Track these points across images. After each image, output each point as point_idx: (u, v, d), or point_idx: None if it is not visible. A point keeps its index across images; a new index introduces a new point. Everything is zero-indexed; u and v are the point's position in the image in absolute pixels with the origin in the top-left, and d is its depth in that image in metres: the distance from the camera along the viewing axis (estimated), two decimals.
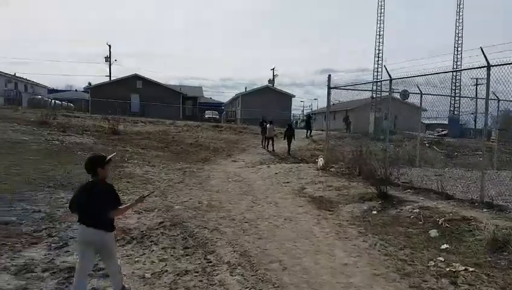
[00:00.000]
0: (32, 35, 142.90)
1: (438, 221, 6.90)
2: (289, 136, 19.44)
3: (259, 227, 6.71)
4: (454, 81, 40.58)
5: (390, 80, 11.21)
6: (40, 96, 39.26)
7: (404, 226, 6.93)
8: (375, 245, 5.96)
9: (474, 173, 11.24)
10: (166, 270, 4.62)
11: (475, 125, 35.72)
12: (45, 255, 4.83)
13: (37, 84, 49.95)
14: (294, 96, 48.83)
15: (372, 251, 5.71)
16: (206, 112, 44.74)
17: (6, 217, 6.08)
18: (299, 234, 6.42)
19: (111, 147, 16.21)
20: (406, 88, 13.19)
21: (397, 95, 13.81)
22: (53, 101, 38.19)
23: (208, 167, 14.64)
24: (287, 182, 11.44)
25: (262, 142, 21.08)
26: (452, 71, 32.60)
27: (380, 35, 41.84)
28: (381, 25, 41.99)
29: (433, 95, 14.51)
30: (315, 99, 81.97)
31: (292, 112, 50.61)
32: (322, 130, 31.97)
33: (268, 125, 20.36)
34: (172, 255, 5.12)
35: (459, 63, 42.60)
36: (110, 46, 51.75)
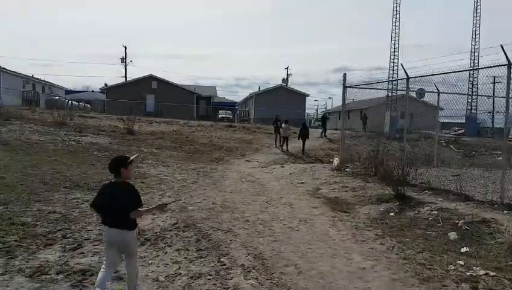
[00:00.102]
0: (50, 37, 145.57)
1: (457, 223, 6.73)
2: (303, 135, 19.29)
3: (273, 229, 6.62)
4: (471, 79, 39.84)
5: (408, 78, 10.98)
6: (57, 97, 39.83)
7: (423, 228, 6.77)
8: (392, 248, 5.81)
9: (493, 173, 10.96)
10: (180, 273, 4.56)
11: (492, 124, 35.02)
12: (59, 257, 4.83)
13: (55, 85, 50.75)
14: (308, 95, 48.66)
15: (390, 254, 5.56)
16: (219, 111, 44.81)
17: (22, 218, 6.13)
18: (315, 236, 6.30)
19: (126, 147, 16.33)
20: (421, 87, 12.93)
21: (413, 94, 13.57)
22: (70, 101, 38.73)
23: (221, 167, 14.61)
24: (302, 183, 11.31)
25: (275, 141, 20.97)
26: (471, 69, 32.04)
27: (395, 33, 41.36)
28: (397, 23, 41.52)
29: (451, 93, 14.20)
30: (329, 98, 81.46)
31: (306, 111, 50.38)
32: (336, 129, 31.77)
33: (283, 125, 20.23)
34: (185, 258, 5.06)
35: (476, 61, 41.85)
36: (125, 47, 52.37)
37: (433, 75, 10.29)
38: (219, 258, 5.08)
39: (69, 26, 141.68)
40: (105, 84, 47.08)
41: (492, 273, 4.74)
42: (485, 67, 9.68)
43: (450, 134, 30.47)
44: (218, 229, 6.38)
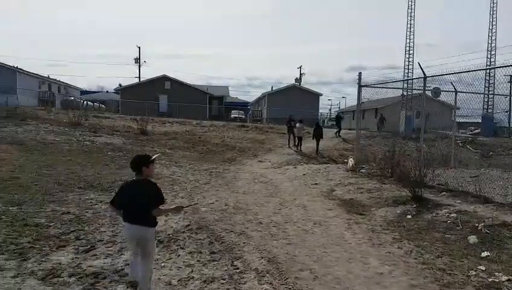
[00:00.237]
0: (50, 37, 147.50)
1: (477, 226, 6.52)
2: (317, 135, 19.12)
3: (287, 231, 6.50)
4: (488, 78, 39.06)
5: (425, 77, 10.72)
6: (72, 98, 40.36)
7: (441, 231, 6.57)
8: (410, 252, 5.64)
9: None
10: (193, 277, 4.48)
11: (509, 124, 34.29)
12: (72, 259, 4.80)
13: (70, 86, 51.47)
14: (321, 94, 48.27)
15: (408, 258, 5.40)
16: (232, 111, 44.79)
17: (36, 219, 6.14)
18: (330, 239, 6.16)
19: (139, 147, 16.38)
20: (437, 86, 12.65)
21: (428, 93, 13.27)
22: (85, 102, 39.19)
23: (233, 167, 14.53)
24: (315, 184, 11.15)
25: (288, 141, 20.82)
26: (489, 68, 31.40)
27: (410, 31, 40.73)
28: (412, 21, 40.86)
29: (468, 92, 13.88)
30: (343, 97, 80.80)
31: (320, 111, 50.04)
32: (350, 129, 31.46)
33: (298, 125, 20.06)
34: (198, 261, 4.99)
35: (492, 60, 41.03)
36: (139, 48, 52.78)
37: (450, 74, 10.05)
38: (232, 262, 4.99)
39: (69, 26, 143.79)
40: (120, 85, 47.53)
41: None
42: (504, 66, 9.43)
43: (466, 134, 29.93)
44: (231, 232, 6.29)
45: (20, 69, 39.17)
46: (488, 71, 37.10)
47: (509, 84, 35.49)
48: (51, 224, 5.99)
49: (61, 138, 15.58)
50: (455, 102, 13.62)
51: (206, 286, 4.27)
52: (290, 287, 4.35)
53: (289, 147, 20.41)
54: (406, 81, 26.47)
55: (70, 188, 8.38)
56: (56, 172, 9.68)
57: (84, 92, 57.11)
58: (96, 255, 4.96)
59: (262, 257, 5.20)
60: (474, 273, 4.86)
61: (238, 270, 4.72)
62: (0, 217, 6.01)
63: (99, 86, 69.16)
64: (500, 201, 8.01)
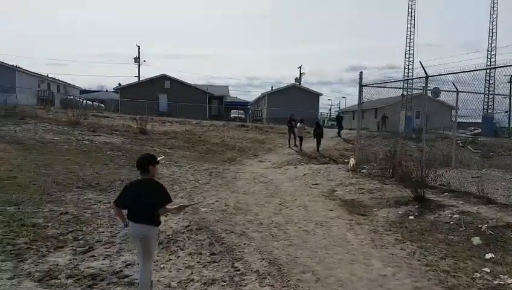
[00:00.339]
0: (50, 37, 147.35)
1: (481, 227, 6.44)
2: (318, 135, 19.09)
3: (288, 232, 6.41)
4: (488, 79, 38.96)
5: (427, 76, 10.61)
6: (72, 97, 40.21)
7: (444, 232, 6.48)
8: (414, 254, 5.56)
9: None
10: (193, 279, 4.40)
11: (509, 124, 34.25)
12: (70, 260, 4.72)
13: (70, 85, 51.31)
14: (321, 94, 48.18)
15: (412, 260, 5.31)
16: (232, 111, 44.68)
17: (33, 219, 6.05)
18: (332, 240, 6.08)
19: (139, 147, 16.29)
20: (438, 85, 12.55)
21: (429, 93, 13.16)
22: (84, 101, 39.06)
23: (233, 167, 14.43)
24: (316, 184, 11.05)
25: (288, 141, 20.73)
26: (492, 68, 31.27)
27: (410, 31, 40.62)
28: (412, 21, 40.74)
29: (469, 92, 13.80)
30: (343, 97, 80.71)
31: (320, 111, 49.96)
32: (350, 129, 31.38)
33: (299, 124, 20.02)
34: (198, 262, 4.90)
35: (492, 60, 40.93)
36: (139, 47, 52.61)
37: (452, 73, 9.94)
38: (233, 263, 4.90)
39: (69, 26, 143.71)
40: (119, 84, 47.37)
41: None
42: (505, 66, 9.35)
43: (466, 134, 29.88)
44: (232, 232, 6.21)
45: (20, 67, 39.01)
46: (488, 71, 37.01)
47: (510, 84, 35.47)
48: (49, 224, 5.91)
49: (60, 137, 15.47)
50: (456, 102, 13.54)
51: (206, 288, 4.19)
52: (292, 289, 4.26)
53: (289, 146, 20.32)
54: (406, 81, 26.35)
55: (68, 187, 8.29)
56: (54, 171, 9.58)
57: (83, 91, 56.96)
58: (94, 256, 4.87)
59: (263, 259, 5.12)
60: (478, 275, 4.78)
61: (238, 272, 4.64)
62: None
63: (99, 85, 69.11)
64: (504, 202, 7.93)
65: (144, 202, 3.68)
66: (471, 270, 4.94)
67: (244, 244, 5.67)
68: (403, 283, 4.56)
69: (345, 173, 12.51)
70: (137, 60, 51.92)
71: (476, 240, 6.01)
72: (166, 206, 3.85)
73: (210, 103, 45.30)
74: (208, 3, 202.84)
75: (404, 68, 40.61)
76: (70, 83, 52.02)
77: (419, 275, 4.78)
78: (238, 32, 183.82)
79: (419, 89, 12.58)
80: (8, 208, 6.44)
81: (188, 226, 6.36)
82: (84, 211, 6.76)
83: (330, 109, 73.81)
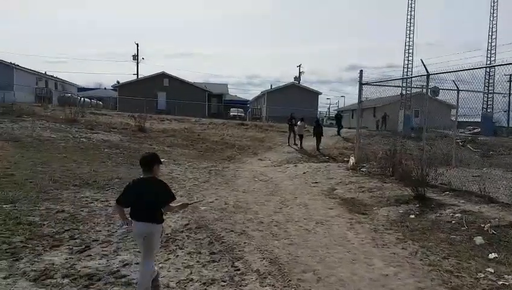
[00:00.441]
0: (67, 38, 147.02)
1: (483, 227, 6.37)
2: (318, 133, 19.07)
3: (289, 231, 6.32)
4: (488, 77, 38.90)
5: (428, 74, 10.53)
6: (69, 94, 40.06)
7: (446, 232, 6.41)
8: (416, 253, 5.48)
9: None
10: (192, 279, 4.30)
11: (508, 123, 34.23)
12: (66, 259, 4.61)
13: (67, 83, 51.17)
14: (320, 93, 48.10)
15: (414, 260, 5.23)
16: (231, 109, 44.58)
17: (29, 217, 5.94)
18: (332, 239, 5.99)
19: (137, 144, 16.18)
20: (436, 84, 12.47)
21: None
22: (82, 99, 38.91)
23: (233, 165, 14.34)
24: (316, 182, 10.97)
25: (288, 140, 20.66)
26: (494, 66, 31.16)
27: (410, 30, 40.57)
28: (412, 20, 40.69)
29: (470, 91, 13.73)
30: (342, 96, 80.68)
31: (319, 110, 49.90)
32: (349, 128, 31.33)
33: (299, 122, 20.00)
34: (198, 262, 4.80)
35: (492, 58, 40.86)
36: (137, 44, 52.48)
37: (454, 71, 9.87)
38: (233, 263, 4.81)
39: (69, 27, 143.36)
40: (118, 82, 47.18)
41: None
42: (507, 64, 9.26)
43: (465, 133, 29.86)
44: (231, 231, 6.11)
45: (17, 65, 38.86)
46: (488, 70, 36.93)
47: (509, 83, 35.44)
48: (45, 223, 5.80)
49: (57, 134, 15.35)
50: (457, 101, 13.47)
51: (205, 288, 4.10)
52: (293, 289, 4.18)
53: (289, 145, 20.25)
54: (405, 80, 26.30)
55: (65, 185, 8.18)
56: (51, 169, 9.47)
57: (81, 89, 56.76)
58: (91, 255, 4.76)
59: (263, 258, 5.03)
60: (482, 275, 4.71)
61: (239, 272, 4.55)
62: None
63: (97, 83, 68.91)
64: (506, 201, 7.86)
65: (147, 200, 3.68)
66: (475, 270, 4.86)
67: (244, 243, 5.58)
68: (406, 283, 4.48)
69: (345, 171, 12.44)
70: (135, 57, 51.78)
71: (479, 240, 5.94)
72: (171, 205, 3.87)
73: (209, 101, 45.15)
74: (207, 3, 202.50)
75: (404, 67, 40.61)
76: (68, 80, 51.84)
77: (422, 275, 4.70)
78: (238, 32, 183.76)
79: (420, 88, 12.47)
80: (4, 205, 6.33)
81: (187, 224, 6.26)
82: (81, 209, 6.66)
83: (329, 108, 73.79)
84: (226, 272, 4.54)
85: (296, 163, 15.09)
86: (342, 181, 10.83)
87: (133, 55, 51.93)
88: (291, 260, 5.01)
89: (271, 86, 51.95)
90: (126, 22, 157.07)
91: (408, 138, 21.19)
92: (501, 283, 4.52)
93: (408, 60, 40.55)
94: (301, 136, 19.81)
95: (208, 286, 4.14)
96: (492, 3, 41.91)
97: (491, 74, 38.65)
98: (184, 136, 20.93)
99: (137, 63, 51.73)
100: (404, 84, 28.28)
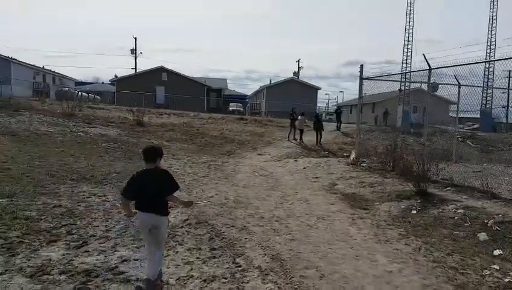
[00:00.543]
0: (67, 38, 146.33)
1: (487, 223, 6.29)
2: (318, 128, 19.03)
3: (290, 226, 6.23)
4: (487, 73, 38.80)
5: (430, 69, 10.41)
6: (67, 89, 39.79)
7: (449, 228, 6.33)
8: (419, 249, 5.39)
9: None
10: (192, 276, 4.20)
11: (507, 119, 34.18)
12: (63, 255, 4.50)
13: (65, 77, 50.84)
14: (320, 88, 47.95)
15: (417, 256, 5.14)
16: (230, 104, 44.41)
17: (26, 212, 5.82)
18: (335, 235, 5.90)
19: (135, 139, 16.05)
20: (435, 80, 12.35)
21: (424, 87, 13.01)
22: (80, 93, 38.67)
23: (233, 160, 14.22)
24: (316, 177, 10.87)
25: (289, 135, 20.56)
26: (498, 60, 31.04)
27: (409, 26, 40.42)
28: (411, 15, 40.55)
29: (471, 86, 13.63)
30: (340, 91, 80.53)
31: (318, 105, 49.77)
32: (348, 123, 31.23)
33: (299, 117, 19.97)
34: (198, 258, 4.70)
35: (492, 54, 40.76)
36: (136, 38, 52.43)
37: (457, 66, 9.75)
38: (234, 259, 4.70)
39: (69, 27, 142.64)
40: (115, 76, 46.92)
41: None
42: (508, 58, 9.15)
43: (464, 129, 29.83)
44: (232, 227, 6.01)
45: (15, 59, 38.53)
46: (488, 66, 36.85)
47: (508, 79, 35.36)
48: (42, 217, 5.68)
49: (54, 128, 15.19)
50: (458, 96, 13.37)
51: (206, 286, 3.99)
52: (296, 286, 4.08)
53: (288, 140, 20.15)
54: (405, 75, 26.15)
55: (62, 180, 8.05)
56: (48, 163, 9.34)
57: (79, 83, 56.46)
58: (88, 251, 4.65)
59: (265, 254, 4.93)
60: (488, 272, 4.62)
61: (240, 268, 4.44)
62: None
63: (95, 77, 68.45)
64: (509, 197, 7.81)
65: (152, 191, 3.69)
66: (480, 267, 4.78)
67: (245, 239, 5.48)
68: (410, 280, 4.39)
69: (345, 166, 12.35)
70: (133, 51, 51.47)
71: (483, 236, 5.86)
72: (176, 196, 3.91)
73: (208, 96, 44.93)
74: (207, 3, 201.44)
75: (402, 63, 40.53)
76: (66, 75, 51.52)
77: (426, 272, 4.61)
78: (238, 32, 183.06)
79: (422, 82, 12.35)
80: (1, 200, 6.21)
81: (187, 220, 6.15)
82: (78, 204, 6.54)
83: (328, 103, 73.61)
84: (227, 268, 4.44)
85: (296, 158, 14.99)
86: (342, 176, 10.74)
87: (131, 50, 51.70)
88: (293, 256, 4.91)
89: (270, 80, 51.72)
90: (126, 21, 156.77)
91: (407, 133, 21.14)
92: (507, 280, 4.43)
93: (407, 56, 40.53)
94: (301, 131, 19.74)
95: (208, 283, 4.04)
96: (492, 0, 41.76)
97: (490, 70, 38.66)
98: (183, 130, 20.78)
99: (136, 57, 51.50)
100: (408, 79, 28.10)
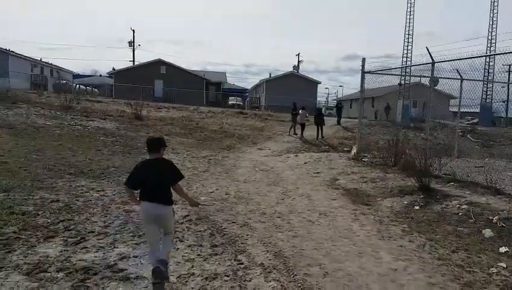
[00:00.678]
0: (67, 38, 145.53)
1: (492, 219, 6.17)
2: (319, 122, 18.91)
3: (292, 223, 6.12)
4: (487, 67, 38.63)
5: (433, 62, 10.27)
6: (65, 81, 39.49)
7: (453, 224, 6.22)
8: (423, 246, 5.29)
9: None
10: (193, 273, 4.09)
11: (506, 114, 34.10)
12: (61, 251, 4.39)
13: (63, 69, 50.47)
14: (320, 82, 47.68)
15: (422, 253, 5.04)
16: (229, 98, 44.22)
17: (23, 207, 5.70)
18: (337, 231, 5.80)
19: (134, 132, 15.90)
20: (435, 74, 12.23)
21: (423, 81, 12.91)
22: (77, 86, 38.39)
23: (233, 155, 14.10)
24: (318, 173, 10.76)
25: (290, 129, 20.42)
26: (501, 54, 30.86)
27: (410, 19, 40.16)
28: (412, 8, 40.26)
29: (474, 80, 13.52)
30: (340, 86, 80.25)
31: (318, 99, 49.55)
32: (348, 118, 31.10)
33: (300, 111, 19.84)
34: (199, 255, 4.59)
35: (492, 48, 40.54)
36: (133, 30, 51.85)
37: (460, 59, 9.62)
38: (236, 256, 4.59)
39: (69, 26, 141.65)
40: (113, 68, 46.60)
41: None
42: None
43: (464, 123, 29.77)
44: (233, 223, 5.90)
45: (13, 51, 38.23)
46: (488, 60, 36.68)
47: (508, 73, 35.26)
48: (39, 213, 5.56)
49: (52, 121, 15.03)
50: (460, 90, 13.26)
51: (208, 284, 3.88)
52: (300, 284, 3.98)
53: (289, 134, 20.04)
54: (405, 69, 25.97)
55: (60, 174, 7.92)
56: (46, 157, 9.20)
57: (77, 76, 56.05)
58: (86, 248, 4.54)
59: (267, 251, 4.82)
60: (495, 270, 4.52)
61: (242, 266, 4.34)
62: None
63: (93, 70, 68.08)
64: None
65: (155, 180, 3.70)
66: (486, 265, 4.68)
67: (247, 235, 5.37)
68: (416, 278, 4.29)
69: (346, 161, 12.24)
70: (131, 44, 51.10)
71: (488, 233, 5.75)
72: (184, 190, 3.99)
73: (207, 89, 44.67)
74: (207, 3, 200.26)
75: (403, 57, 40.31)
76: (64, 67, 51.18)
77: (431, 270, 4.51)
78: (238, 33, 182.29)
79: (425, 76, 12.20)
80: None
81: (187, 215, 6.04)
82: (76, 199, 6.42)
83: (327, 98, 73.36)
84: (229, 266, 4.33)
85: (296, 153, 14.88)
86: (343, 171, 10.63)
87: (129, 42, 51.32)
88: (296, 253, 4.81)
89: (270, 74, 51.44)
90: (125, 14, 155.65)
91: (408, 128, 21.05)
92: None
93: (407, 50, 40.28)
94: (303, 126, 19.59)
95: (210, 281, 3.94)
96: None
97: (491, 64, 38.48)
98: (182, 124, 20.63)
99: (133, 50, 51.16)
100: (409, 73, 27.96)
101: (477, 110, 34.86)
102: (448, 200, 7.35)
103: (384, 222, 6.41)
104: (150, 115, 21.84)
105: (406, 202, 7.49)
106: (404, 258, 4.86)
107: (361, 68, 12.31)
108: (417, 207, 7.20)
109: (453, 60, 9.75)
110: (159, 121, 20.67)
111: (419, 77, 15.08)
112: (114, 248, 4.61)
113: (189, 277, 4.01)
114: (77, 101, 21.27)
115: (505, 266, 4.66)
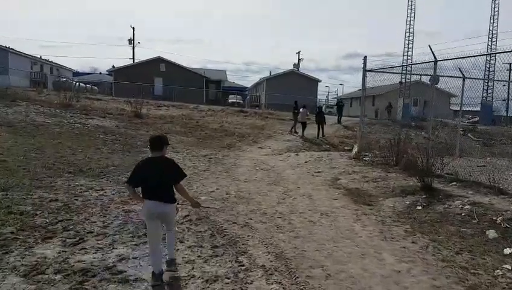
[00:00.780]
0: (67, 37, 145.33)
1: (495, 220, 6.10)
2: (319, 121, 18.85)
3: (293, 223, 6.05)
4: (488, 66, 38.51)
5: (436, 61, 10.18)
6: (64, 79, 39.38)
7: (456, 225, 6.14)
8: (426, 248, 5.22)
9: None
10: (194, 275, 4.02)
11: (507, 112, 34.06)
12: (59, 252, 4.32)
13: (62, 67, 50.36)
14: (320, 81, 47.53)
15: (425, 255, 4.97)
16: (229, 96, 44.08)
17: (21, 206, 5.64)
18: (339, 232, 5.72)
19: (134, 131, 15.82)
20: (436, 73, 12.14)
21: (425, 80, 12.85)
22: (77, 83, 38.28)
23: (233, 153, 14.02)
24: (318, 172, 10.68)
25: (291, 128, 20.33)
26: (503, 52, 30.76)
27: (410, 18, 40.04)
28: (412, 7, 40.14)
29: (476, 79, 13.45)
30: (340, 84, 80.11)
31: (318, 98, 49.43)
32: (349, 116, 31.04)
33: (301, 110, 19.79)
34: (199, 256, 4.52)
35: (493, 46, 40.42)
36: (133, 28, 51.68)
37: (463, 58, 9.54)
38: (237, 257, 4.52)
39: (69, 26, 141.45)
40: (113, 66, 46.44)
41: None
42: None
43: (465, 122, 29.70)
44: (234, 223, 5.82)
45: (12, 49, 38.09)
46: (489, 59, 36.56)
47: (509, 71, 35.13)
48: (38, 212, 5.49)
49: (51, 119, 14.95)
50: (462, 89, 13.16)
51: (208, 286, 3.81)
52: (302, 287, 3.91)
53: (290, 133, 19.96)
54: (407, 68, 25.92)
55: (59, 173, 7.85)
56: (45, 156, 9.13)
57: (76, 74, 55.91)
58: (85, 248, 4.47)
59: (269, 252, 4.75)
60: (500, 273, 4.45)
61: (243, 268, 4.26)
62: None
63: (93, 68, 67.94)
64: None
65: (158, 179, 3.71)
66: (491, 267, 4.60)
67: (248, 236, 5.29)
68: (420, 281, 4.22)
69: (347, 160, 12.16)
70: (131, 41, 50.95)
71: (492, 234, 5.67)
72: (186, 190, 4.03)
73: (207, 88, 44.53)
74: (208, 2, 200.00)
75: (404, 55, 40.20)
76: (64, 65, 51.04)
77: (436, 272, 4.44)
78: (238, 32, 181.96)
79: (427, 75, 12.11)
80: None
81: (187, 216, 5.96)
82: (75, 198, 6.35)
83: (327, 96, 73.24)
84: (230, 267, 4.26)
85: (297, 152, 14.80)
86: (345, 170, 10.55)
87: (128, 39, 51.11)
88: (298, 255, 4.73)
89: (270, 72, 51.30)
90: (126, 20, 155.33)
91: (408, 126, 20.97)
92: None
93: (408, 48, 40.16)
94: (304, 124, 19.50)
95: (210, 284, 3.86)
96: None
97: (491, 62, 38.38)
98: (182, 123, 20.54)
99: (133, 47, 51.01)
100: (409, 71, 27.88)
101: (478, 108, 34.84)
102: (451, 200, 7.27)
103: (386, 223, 6.33)
104: (150, 113, 21.75)
105: (408, 202, 7.42)
106: (407, 259, 4.79)
107: (362, 66, 12.22)
108: (419, 207, 7.12)
109: (456, 58, 9.66)
110: (158, 119, 20.58)
111: (420, 75, 14.97)
112: (113, 249, 4.54)
113: (189, 279, 3.94)
114: (77, 99, 21.21)
115: (510, 268, 4.58)
